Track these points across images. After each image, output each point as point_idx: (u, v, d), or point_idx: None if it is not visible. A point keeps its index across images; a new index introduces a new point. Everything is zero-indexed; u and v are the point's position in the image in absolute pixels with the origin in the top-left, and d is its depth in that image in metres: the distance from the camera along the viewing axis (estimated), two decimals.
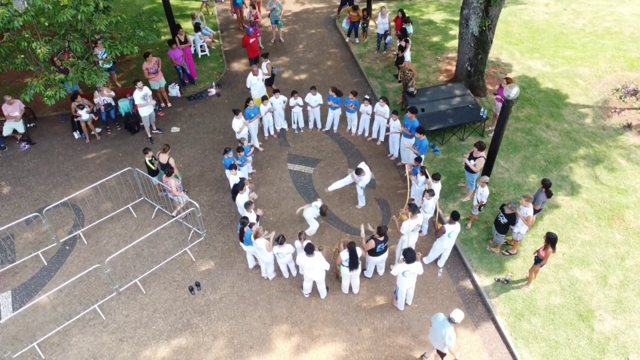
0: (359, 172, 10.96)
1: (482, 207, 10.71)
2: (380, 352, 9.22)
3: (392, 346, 9.31)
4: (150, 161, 11.32)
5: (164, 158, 11.53)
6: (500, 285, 10.08)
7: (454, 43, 16.56)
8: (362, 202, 11.75)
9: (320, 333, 9.55)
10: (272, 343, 9.41)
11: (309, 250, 9.03)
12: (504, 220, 10.07)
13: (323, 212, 10.53)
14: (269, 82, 14.23)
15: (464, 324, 9.60)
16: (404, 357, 9.15)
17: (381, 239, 9.45)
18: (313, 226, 10.97)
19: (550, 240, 9.17)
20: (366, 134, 13.67)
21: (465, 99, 13.59)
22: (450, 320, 7.88)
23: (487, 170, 11.21)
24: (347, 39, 17.41)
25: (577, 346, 9.11)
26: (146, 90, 12.97)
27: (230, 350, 9.32)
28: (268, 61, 14.04)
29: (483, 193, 10.46)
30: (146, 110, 13.09)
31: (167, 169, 10.95)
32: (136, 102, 12.90)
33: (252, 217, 10.03)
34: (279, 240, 9.54)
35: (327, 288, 10.07)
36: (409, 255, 8.81)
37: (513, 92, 9.77)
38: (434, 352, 8.72)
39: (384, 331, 9.54)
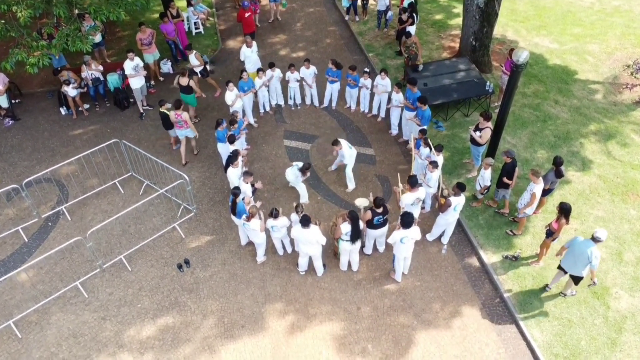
0: (335, 143, 10.43)
1: (486, 191, 10.10)
2: (381, 332, 8.61)
3: (394, 325, 8.70)
4: (167, 111, 11.18)
5: (184, 81, 11.87)
6: (509, 263, 9.47)
7: (458, 21, 15.98)
8: (350, 184, 11.03)
9: (316, 312, 8.94)
10: (265, 322, 8.81)
11: (305, 222, 8.42)
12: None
13: (303, 169, 9.97)
14: (203, 74, 13.18)
15: (470, 301, 9.00)
16: (407, 336, 8.54)
17: (379, 210, 8.84)
18: (302, 191, 10.52)
19: (564, 210, 8.55)
20: (366, 111, 13.06)
21: (470, 73, 12.96)
22: (595, 239, 7.91)
23: (492, 147, 10.63)
24: (346, 17, 16.80)
25: (592, 325, 8.50)
26: (137, 60, 12.39)
27: (220, 330, 8.71)
28: (195, 51, 12.94)
29: (485, 176, 9.82)
30: (137, 82, 12.50)
31: (176, 102, 10.98)
32: (126, 73, 12.31)
33: (247, 188, 9.41)
34: (273, 214, 8.94)
35: (324, 265, 9.47)
36: (406, 220, 8.21)
37: (523, 55, 9.16)
38: (556, 283, 8.81)
39: (385, 310, 8.93)
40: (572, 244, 8.21)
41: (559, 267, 8.59)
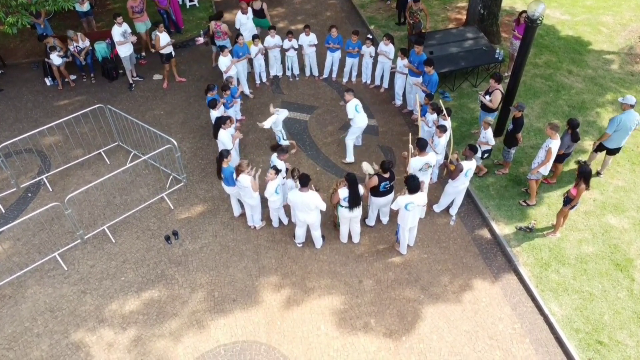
0: (348, 90, 9.60)
1: (487, 155, 9.39)
2: (385, 306, 7.90)
3: (399, 299, 7.99)
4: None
5: (257, 5, 12.62)
6: (523, 234, 8.75)
7: None
8: (349, 157, 10.26)
9: (314, 285, 8.24)
10: (258, 296, 8.10)
11: (304, 181, 7.68)
12: (510, 126, 9.02)
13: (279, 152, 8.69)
14: (167, 59, 11.95)
15: (482, 275, 8.29)
16: (413, 311, 7.83)
17: (386, 175, 8.13)
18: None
19: (584, 174, 7.84)
20: (368, 82, 12.35)
21: (479, 41, 12.24)
22: (633, 105, 8.68)
23: (503, 117, 9.95)
24: None
25: (616, 298, 7.78)
26: (126, 26, 11.68)
27: (210, 304, 8.01)
28: (165, 31, 11.72)
29: (488, 136, 9.09)
30: (126, 50, 11.79)
31: (217, 13, 12.15)
32: (115, 39, 11.60)
33: (281, 165, 8.61)
34: (276, 170, 8.19)
35: (322, 237, 8.76)
36: (413, 184, 7.50)
37: (539, 8, 8.47)
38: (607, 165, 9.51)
39: (389, 283, 8.22)
40: (620, 124, 8.71)
41: (599, 150, 9.30)
